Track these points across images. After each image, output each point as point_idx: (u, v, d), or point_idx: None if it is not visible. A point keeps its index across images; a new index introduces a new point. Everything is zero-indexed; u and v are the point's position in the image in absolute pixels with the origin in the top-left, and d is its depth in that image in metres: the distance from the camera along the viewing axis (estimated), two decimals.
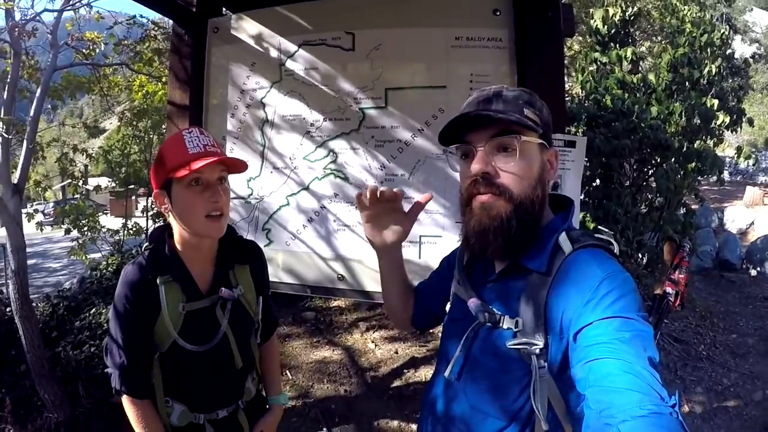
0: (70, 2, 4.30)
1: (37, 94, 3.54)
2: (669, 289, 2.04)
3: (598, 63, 4.10)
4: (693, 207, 4.23)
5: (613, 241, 0.81)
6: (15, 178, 3.11)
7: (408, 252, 1.90)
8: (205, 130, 1.13)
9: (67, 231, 4.50)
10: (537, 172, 0.81)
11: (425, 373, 3.53)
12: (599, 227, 0.86)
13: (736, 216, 8.89)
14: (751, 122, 4.57)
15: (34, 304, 3.15)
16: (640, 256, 3.78)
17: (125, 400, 1.14)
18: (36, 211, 4.61)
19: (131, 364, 1.12)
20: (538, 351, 0.73)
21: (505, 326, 0.78)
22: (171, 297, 1.11)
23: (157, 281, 1.10)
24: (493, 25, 1.82)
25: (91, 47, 4.46)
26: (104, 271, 4.01)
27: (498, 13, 1.82)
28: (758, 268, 6.29)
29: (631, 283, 0.73)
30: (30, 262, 3.52)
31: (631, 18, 4.18)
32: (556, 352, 0.74)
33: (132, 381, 1.13)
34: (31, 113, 3.47)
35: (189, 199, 1.07)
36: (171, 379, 1.18)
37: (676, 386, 3.46)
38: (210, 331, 1.15)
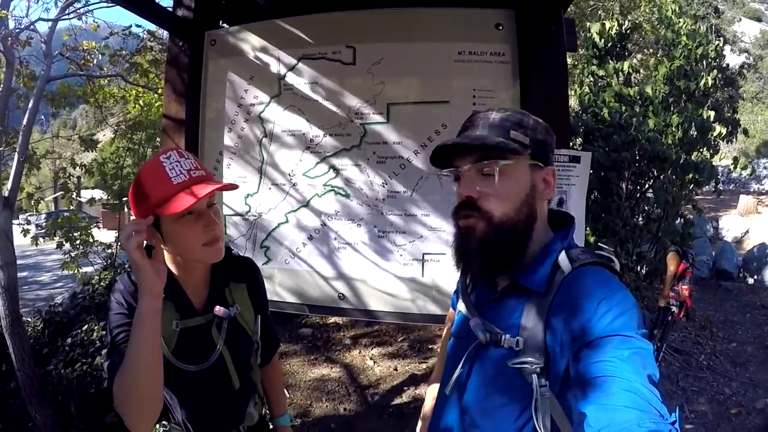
0: (66, 12, 4.28)
1: (30, 105, 3.50)
2: (673, 301, 2.02)
3: (595, 76, 4.12)
4: (690, 217, 4.25)
5: (614, 257, 0.81)
6: (5, 190, 3.04)
7: (412, 270, 1.87)
8: (184, 151, 1.05)
9: (59, 245, 4.42)
10: (524, 193, 0.82)
11: (425, 390, 3.46)
12: (600, 244, 0.84)
13: (731, 225, 8.94)
14: (746, 133, 4.61)
15: (25, 320, 3.08)
16: (639, 268, 3.77)
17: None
18: (28, 222, 4.53)
19: None
20: (538, 370, 0.73)
21: (505, 345, 0.78)
22: (165, 315, 1.04)
23: None
24: (496, 40, 1.81)
25: (86, 57, 4.43)
26: (96, 285, 3.94)
27: (500, 28, 1.81)
28: (755, 276, 6.30)
29: (631, 300, 0.73)
30: (21, 274, 3.46)
31: (628, 32, 4.21)
32: (557, 371, 0.74)
33: None
34: (24, 123, 3.42)
35: (182, 233, 1.01)
36: (167, 402, 1.12)
37: (678, 397, 3.44)
38: (205, 351, 1.11)
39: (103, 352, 1.08)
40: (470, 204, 0.82)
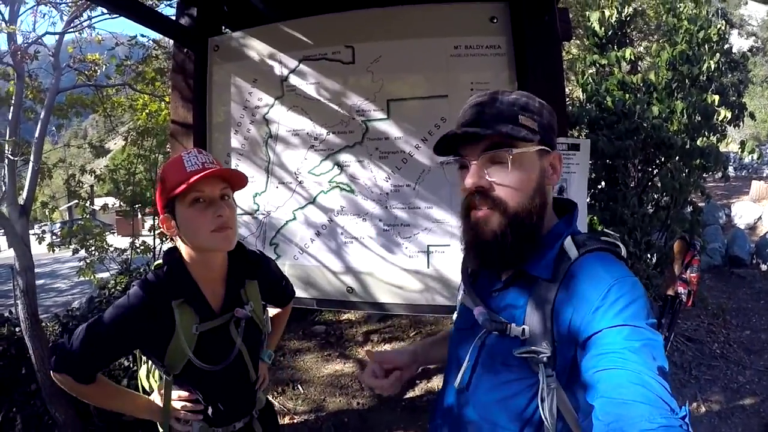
0: (72, 25, 4.37)
1: (42, 117, 3.58)
2: (681, 289, 2.02)
3: (597, 65, 4.10)
4: (699, 204, 4.20)
5: (620, 243, 0.80)
6: (21, 199, 3.13)
7: (417, 262, 1.90)
8: (204, 150, 1.15)
9: (75, 251, 4.53)
10: (535, 181, 0.80)
11: (438, 383, 3.49)
12: (605, 230, 0.84)
13: (743, 211, 8.80)
14: (752, 116, 4.54)
15: (43, 324, 3.16)
16: (649, 256, 3.75)
17: (63, 379, 1.10)
18: (44, 231, 4.63)
19: (89, 361, 1.09)
20: (545, 359, 0.72)
21: (512, 334, 0.76)
22: (185, 319, 1.11)
23: (171, 304, 1.10)
24: (491, 33, 1.84)
25: (93, 68, 4.52)
26: (112, 290, 4.03)
27: (495, 21, 1.83)
28: None
29: (640, 288, 0.72)
30: (38, 282, 3.53)
31: (627, 18, 4.19)
32: (564, 360, 0.73)
33: (77, 369, 1.10)
34: (36, 135, 3.51)
35: (193, 218, 1.07)
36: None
37: (692, 386, 3.41)
38: (224, 350, 1.17)
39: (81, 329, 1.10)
40: (481, 194, 0.79)
